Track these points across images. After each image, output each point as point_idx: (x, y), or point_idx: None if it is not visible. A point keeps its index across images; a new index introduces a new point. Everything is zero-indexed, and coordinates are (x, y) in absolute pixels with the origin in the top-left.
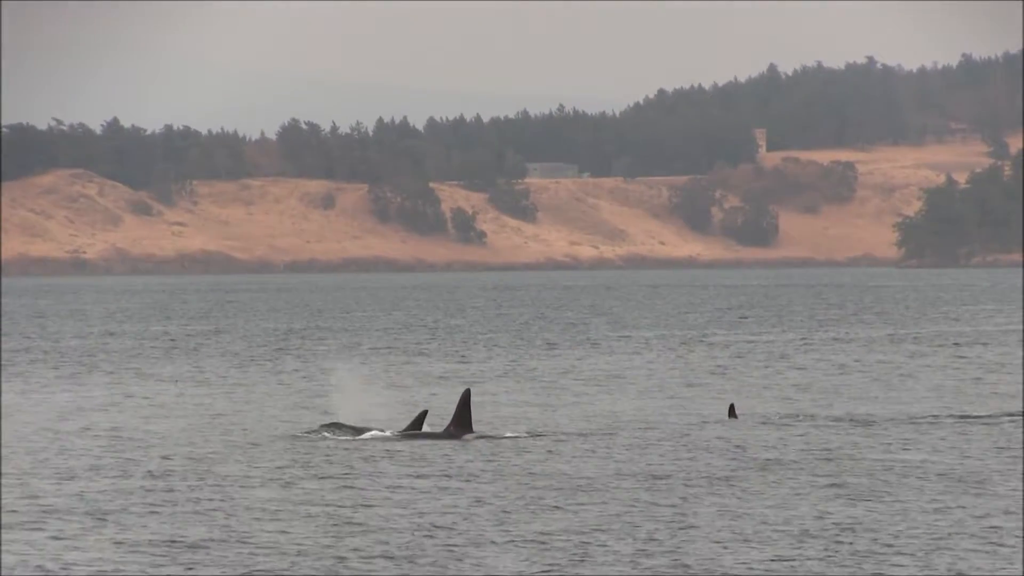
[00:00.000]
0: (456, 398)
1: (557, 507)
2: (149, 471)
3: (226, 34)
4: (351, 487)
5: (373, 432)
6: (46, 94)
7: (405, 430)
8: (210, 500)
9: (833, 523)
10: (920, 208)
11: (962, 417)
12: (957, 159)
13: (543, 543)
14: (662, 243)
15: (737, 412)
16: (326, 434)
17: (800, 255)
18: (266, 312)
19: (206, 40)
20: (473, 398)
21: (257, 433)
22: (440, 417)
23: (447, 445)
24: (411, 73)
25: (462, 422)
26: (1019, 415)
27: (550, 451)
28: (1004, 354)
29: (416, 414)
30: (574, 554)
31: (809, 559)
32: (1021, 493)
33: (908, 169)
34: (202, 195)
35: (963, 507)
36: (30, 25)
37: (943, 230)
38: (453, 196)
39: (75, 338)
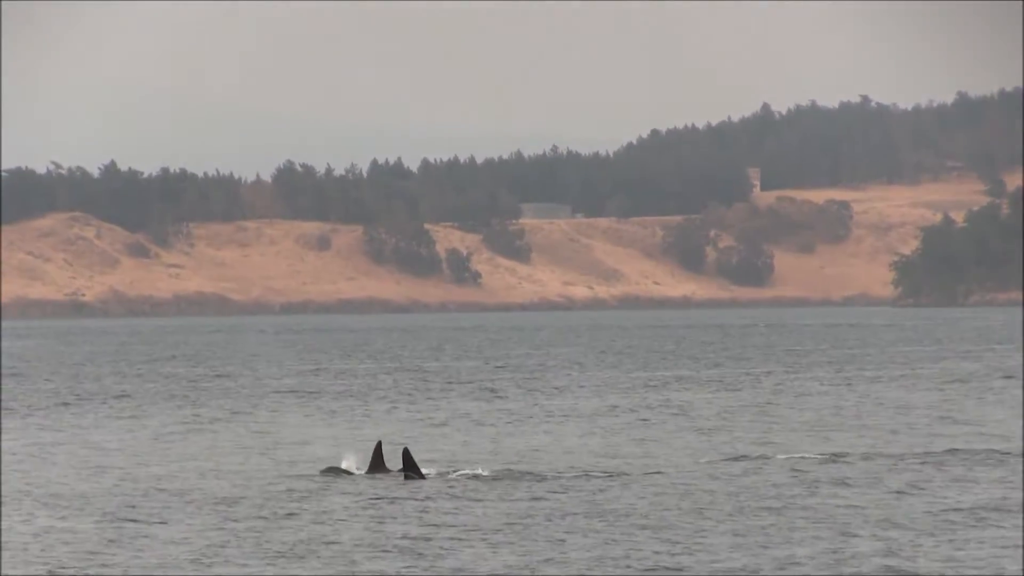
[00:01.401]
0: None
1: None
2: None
3: (218, 73)
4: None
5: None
6: (43, 136)
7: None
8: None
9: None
10: (917, 247)
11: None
12: (953, 197)
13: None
14: (656, 283)
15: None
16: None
17: (796, 294)
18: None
19: (199, 80)
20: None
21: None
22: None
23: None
24: (405, 114)
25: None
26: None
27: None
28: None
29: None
30: None
31: None
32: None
33: (904, 208)
34: (198, 237)
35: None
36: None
37: (940, 268)
38: (448, 237)
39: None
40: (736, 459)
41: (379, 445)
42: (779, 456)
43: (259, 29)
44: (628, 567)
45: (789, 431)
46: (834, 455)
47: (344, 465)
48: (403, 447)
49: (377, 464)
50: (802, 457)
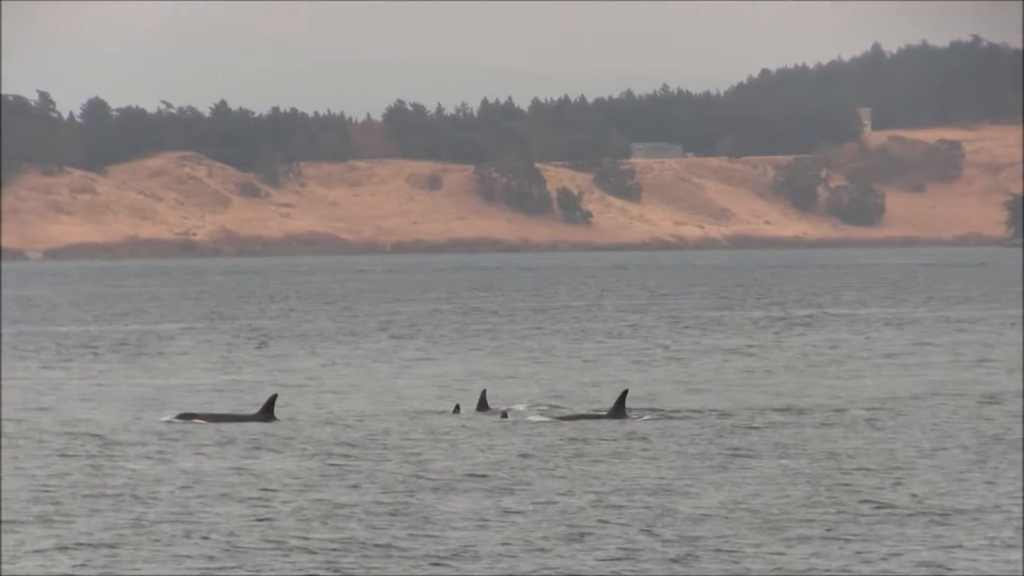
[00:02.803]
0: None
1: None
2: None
3: (330, 19)
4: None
5: None
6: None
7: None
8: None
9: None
10: None
11: None
12: None
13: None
14: (768, 223)
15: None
16: None
17: (906, 234)
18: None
19: (314, 25)
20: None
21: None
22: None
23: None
24: (514, 55)
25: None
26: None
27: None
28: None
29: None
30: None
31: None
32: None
33: (1015, 147)
34: (309, 177)
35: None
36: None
37: None
38: (558, 176)
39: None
40: None
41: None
42: None
43: None
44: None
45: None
46: None
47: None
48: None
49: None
50: None
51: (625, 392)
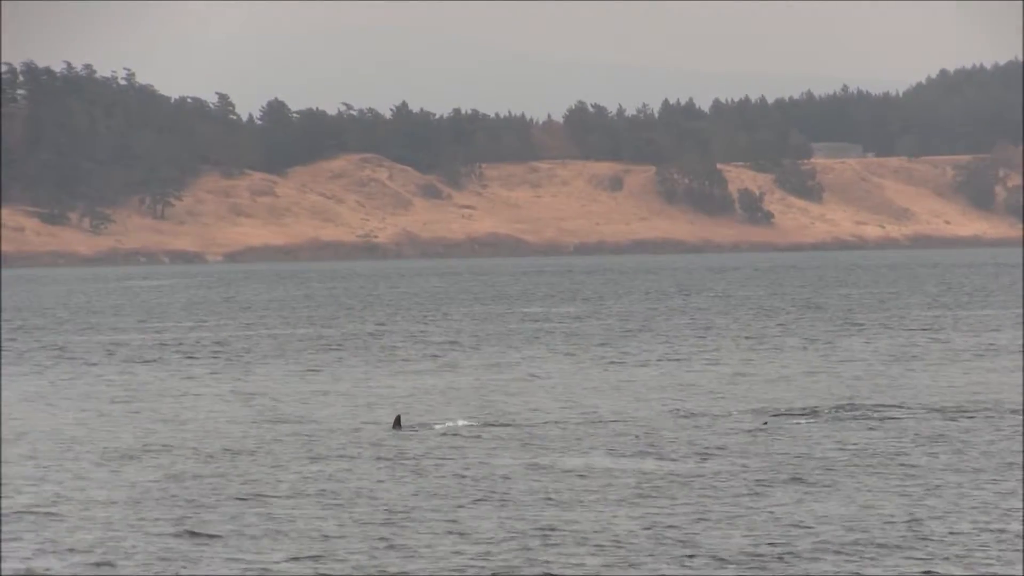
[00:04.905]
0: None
1: None
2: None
3: (511, 22)
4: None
5: None
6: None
7: None
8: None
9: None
10: None
11: None
12: None
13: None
14: (947, 222)
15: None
16: None
17: None
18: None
19: (495, 26)
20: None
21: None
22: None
23: None
24: (696, 56)
25: None
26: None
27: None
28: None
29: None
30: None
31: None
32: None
33: None
34: (491, 178)
35: None
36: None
37: None
38: (740, 177)
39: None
40: None
41: None
42: None
43: None
44: None
45: None
46: None
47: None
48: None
49: None
50: None
51: None
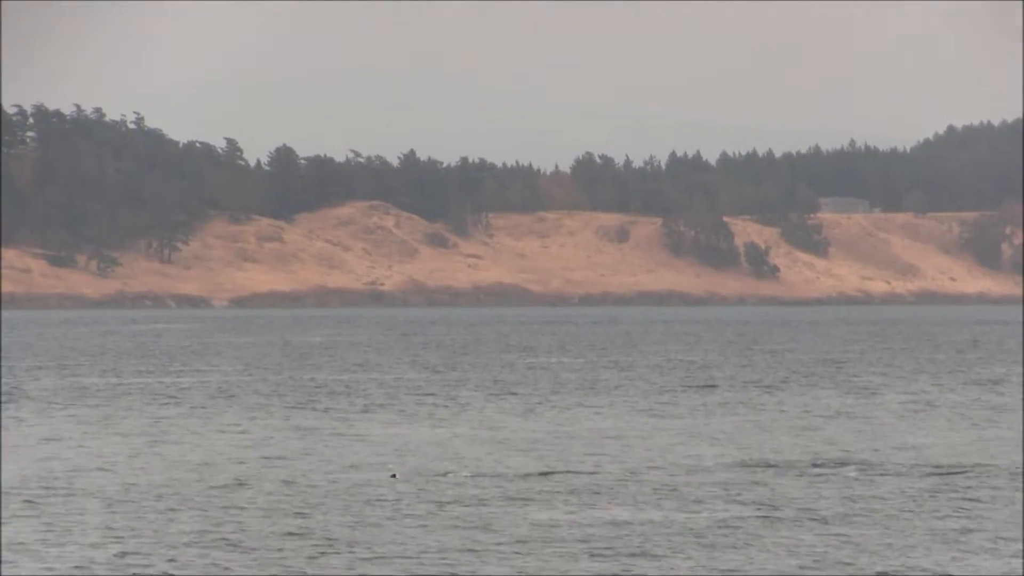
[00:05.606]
0: None
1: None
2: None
3: (518, 69)
4: None
5: None
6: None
7: None
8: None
9: None
10: None
11: None
12: None
13: None
14: (952, 279)
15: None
16: None
17: None
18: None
19: (501, 75)
20: None
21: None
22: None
23: None
24: (703, 107)
25: None
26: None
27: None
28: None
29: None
30: None
31: None
32: None
33: None
34: (497, 227)
35: None
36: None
37: None
38: (746, 230)
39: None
40: None
41: None
42: None
43: (558, 24)
44: None
45: None
46: None
47: None
48: None
49: None
50: None
51: None
